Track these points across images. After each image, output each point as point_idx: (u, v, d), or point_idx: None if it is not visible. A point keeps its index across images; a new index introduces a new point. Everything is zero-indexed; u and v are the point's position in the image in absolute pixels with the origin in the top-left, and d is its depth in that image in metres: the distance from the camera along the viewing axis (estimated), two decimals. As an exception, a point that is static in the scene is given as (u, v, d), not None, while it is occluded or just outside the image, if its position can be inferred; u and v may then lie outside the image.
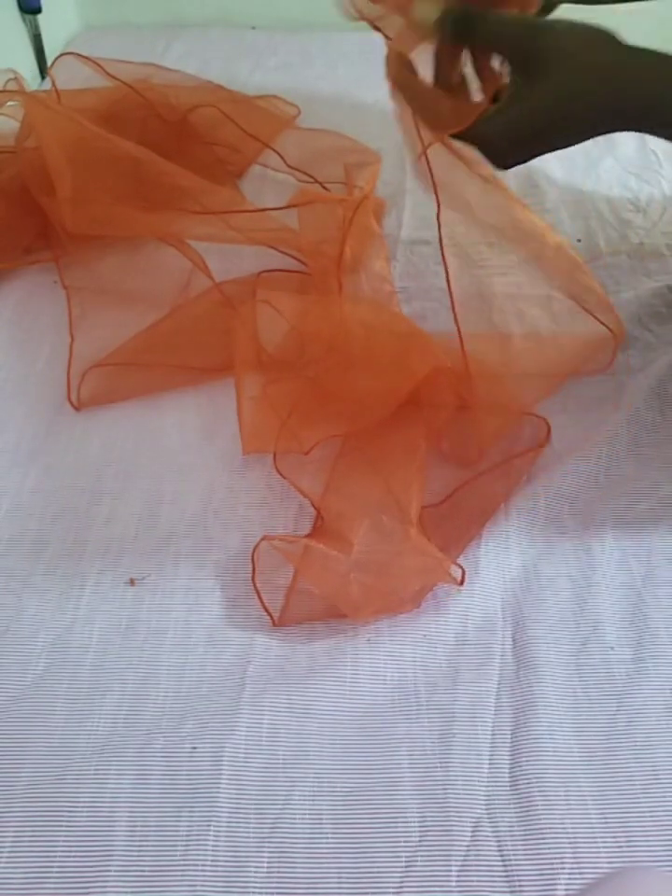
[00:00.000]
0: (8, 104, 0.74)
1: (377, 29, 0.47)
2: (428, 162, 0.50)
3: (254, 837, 0.41)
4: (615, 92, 0.42)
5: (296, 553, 0.53)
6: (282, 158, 0.85)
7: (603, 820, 0.42)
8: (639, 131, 0.46)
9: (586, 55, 0.42)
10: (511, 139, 0.44)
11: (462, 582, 0.51)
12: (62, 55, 0.87)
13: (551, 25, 0.44)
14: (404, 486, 0.55)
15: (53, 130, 0.71)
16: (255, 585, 0.52)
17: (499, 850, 0.41)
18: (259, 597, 0.51)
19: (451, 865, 0.40)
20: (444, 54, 0.48)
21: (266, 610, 0.51)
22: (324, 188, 0.82)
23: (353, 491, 0.57)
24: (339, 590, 0.50)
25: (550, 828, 0.42)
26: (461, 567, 0.51)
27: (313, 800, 0.43)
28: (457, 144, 0.47)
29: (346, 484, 0.58)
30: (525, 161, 0.46)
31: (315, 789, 0.43)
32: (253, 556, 0.52)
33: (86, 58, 0.83)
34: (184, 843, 0.41)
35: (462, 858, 0.41)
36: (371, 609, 0.50)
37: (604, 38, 0.43)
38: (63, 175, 0.69)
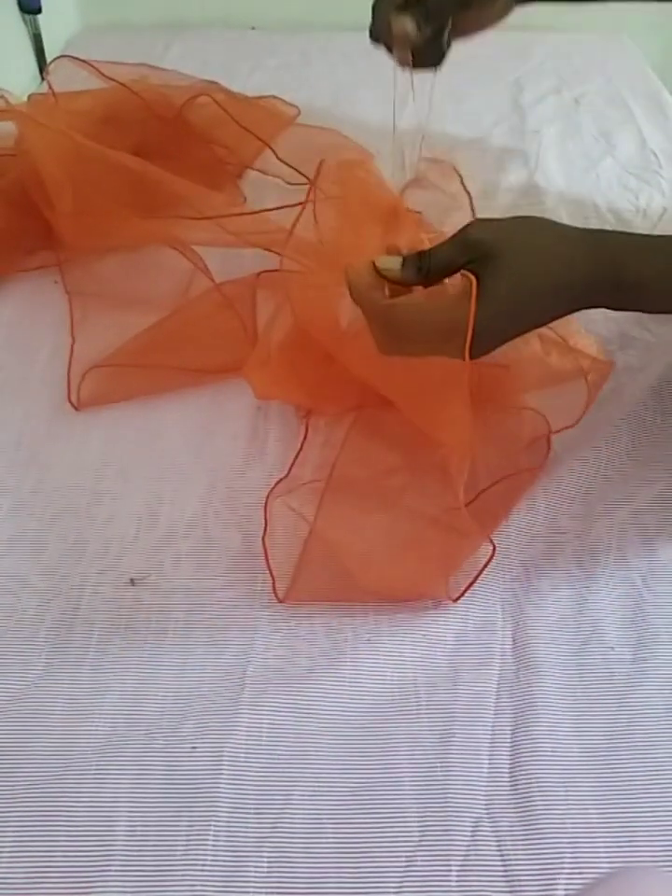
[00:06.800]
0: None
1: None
2: None
3: (254, 837, 0.41)
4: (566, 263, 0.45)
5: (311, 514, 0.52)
6: (275, 153, 0.84)
7: (603, 820, 0.42)
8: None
9: (531, 237, 0.46)
10: (491, 325, 0.45)
11: (491, 559, 0.51)
12: (57, 58, 0.86)
13: (496, 223, 0.48)
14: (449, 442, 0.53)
15: (48, 145, 0.70)
16: (264, 543, 0.51)
17: (499, 850, 0.41)
18: (267, 560, 0.51)
19: (451, 865, 0.40)
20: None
21: (272, 588, 0.51)
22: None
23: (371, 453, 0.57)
24: (359, 563, 0.51)
25: (550, 828, 0.42)
26: (492, 543, 0.51)
27: (313, 800, 0.43)
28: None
29: (367, 446, 0.58)
30: (493, 349, 0.48)
31: (315, 789, 0.43)
32: (265, 509, 0.51)
33: (82, 61, 0.83)
34: (184, 843, 0.41)
35: (462, 858, 0.41)
36: (393, 588, 0.50)
37: (540, 222, 0.48)
38: (61, 191, 0.69)
